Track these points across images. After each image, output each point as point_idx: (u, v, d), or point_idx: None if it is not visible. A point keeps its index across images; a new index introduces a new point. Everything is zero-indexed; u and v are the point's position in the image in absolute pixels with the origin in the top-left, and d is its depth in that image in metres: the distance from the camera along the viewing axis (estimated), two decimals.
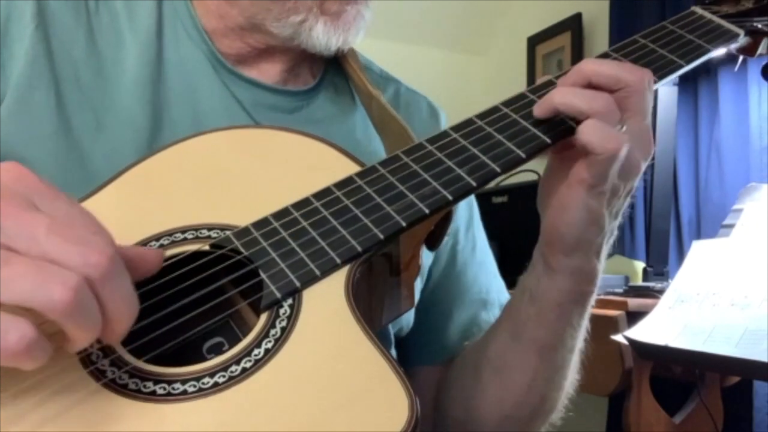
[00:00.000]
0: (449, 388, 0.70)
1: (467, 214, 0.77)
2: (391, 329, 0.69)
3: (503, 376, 0.63)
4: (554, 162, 0.56)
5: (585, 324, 0.61)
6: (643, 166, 0.53)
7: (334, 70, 0.73)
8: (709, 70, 1.78)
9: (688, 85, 1.85)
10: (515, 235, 2.04)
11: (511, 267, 0.90)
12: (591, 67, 0.53)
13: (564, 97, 0.51)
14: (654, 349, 1.15)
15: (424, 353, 0.74)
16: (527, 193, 1.94)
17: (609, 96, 0.51)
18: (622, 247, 1.98)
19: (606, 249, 0.56)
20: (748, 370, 1.10)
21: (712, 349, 1.11)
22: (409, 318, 0.71)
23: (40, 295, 0.33)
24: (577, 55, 2.42)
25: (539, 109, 0.53)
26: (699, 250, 1.36)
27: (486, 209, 0.82)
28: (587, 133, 0.49)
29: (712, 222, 1.71)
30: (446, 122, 0.79)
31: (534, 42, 2.63)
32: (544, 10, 2.57)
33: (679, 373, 1.41)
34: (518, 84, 2.71)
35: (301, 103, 0.69)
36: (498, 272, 0.80)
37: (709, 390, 1.44)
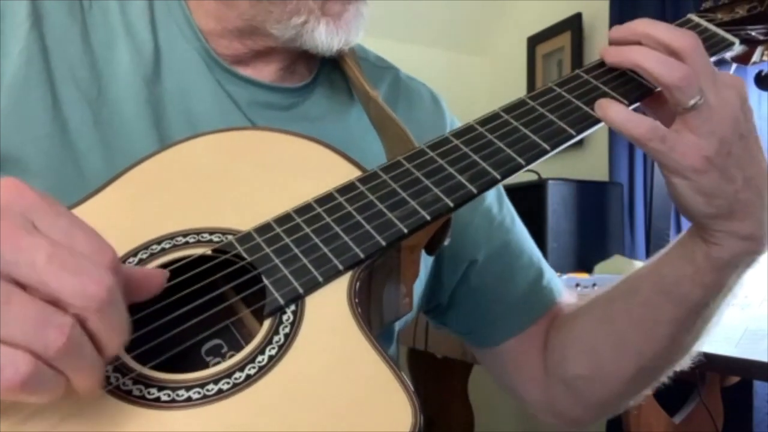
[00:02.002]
0: (573, 345, 0.70)
1: (496, 191, 0.78)
2: (397, 325, 0.70)
3: (644, 329, 0.64)
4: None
5: (741, 283, 0.61)
6: (731, 132, 0.53)
7: (331, 65, 0.72)
8: None
9: None
10: None
11: None
12: (654, 33, 0.55)
13: (642, 54, 0.54)
14: None
15: (500, 331, 0.75)
16: (527, 193, 1.94)
17: (686, 66, 0.52)
18: (622, 247, 1.98)
19: (765, 208, 0.56)
20: (748, 370, 1.11)
21: (712, 349, 1.12)
22: (411, 312, 0.71)
23: (36, 340, 0.33)
24: (577, 55, 2.42)
25: (612, 55, 0.57)
26: None
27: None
28: (613, 117, 0.53)
29: None
30: (448, 108, 0.80)
31: (534, 42, 2.64)
32: (544, 10, 2.57)
33: (679, 373, 1.41)
34: (518, 84, 2.71)
35: (297, 100, 0.68)
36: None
37: (709, 390, 1.44)
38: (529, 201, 1.91)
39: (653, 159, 0.54)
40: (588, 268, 1.79)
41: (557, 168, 1.79)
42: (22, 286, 0.34)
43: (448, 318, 0.78)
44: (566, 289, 0.79)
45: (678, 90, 0.52)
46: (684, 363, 0.68)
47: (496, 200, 0.77)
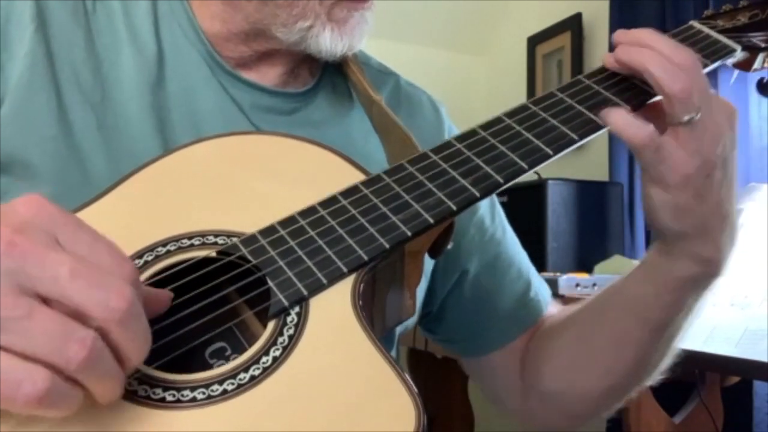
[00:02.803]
0: (549, 360, 0.72)
1: (489, 202, 0.78)
2: (398, 329, 0.70)
3: (613, 349, 0.65)
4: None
5: (701, 304, 0.62)
6: (718, 150, 0.54)
7: (333, 69, 0.73)
8: (709, 72, 1.78)
9: None
10: (515, 235, 2.04)
11: None
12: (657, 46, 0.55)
13: (649, 58, 0.53)
14: None
15: (485, 343, 0.76)
16: (527, 193, 1.95)
17: (690, 80, 0.52)
18: (622, 247, 1.98)
19: (727, 235, 0.57)
20: (748, 370, 1.11)
21: (712, 349, 1.12)
22: (413, 317, 0.72)
23: (57, 354, 0.34)
24: (577, 55, 2.42)
25: (618, 56, 0.56)
26: None
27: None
28: (615, 121, 0.53)
29: None
30: (447, 116, 0.80)
31: (534, 42, 2.64)
32: (544, 10, 2.57)
33: (679, 373, 1.41)
34: (518, 84, 2.71)
35: (299, 104, 0.69)
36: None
37: (709, 390, 1.44)
38: (529, 201, 1.91)
39: (642, 166, 0.55)
40: (588, 268, 1.79)
41: (557, 168, 1.78)
42: (45, 301, 0.34)
43: (436, 326, 0.78)
44: (552, 301, 0.80)
45: (678, 101, 0.52)
46: (653, 379, 0.69)
47: (488, 211, 0.78)
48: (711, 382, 1.45)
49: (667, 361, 0.67)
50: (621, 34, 0.57)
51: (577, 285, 1.58)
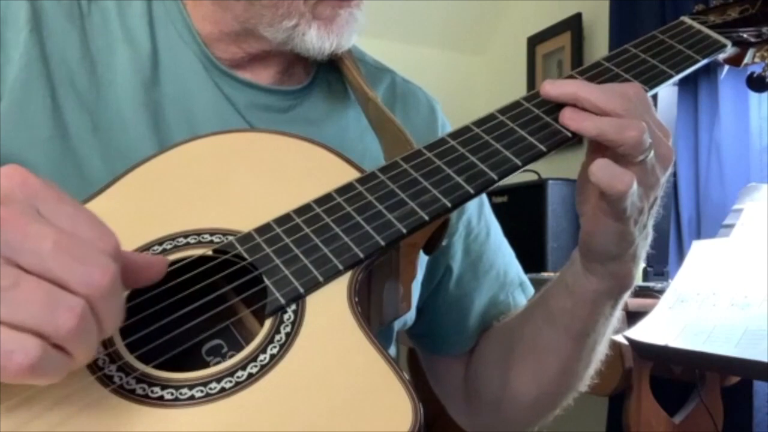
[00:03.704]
0: (485, 368, 0.73)
1: (477, 201, 0.78)
2: (396, 325, 0.70)
3: (538, 357, 0.67)
4: (585, 171, 0.56)
5: (619, 310, 0.65)
6: (663, 179, 0.56)
7: (328, 67, 0.73)
8: (709, 70, 1.78)
9: (688, 85, 1.85)
10: (515, 235, 2.04)
11: None
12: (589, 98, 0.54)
13: (598, 127, 0.53)
14: (654, 349, 1.16)
15: (450, 345, 0.77)
16: (527, 193, 1.94)
17: (641, 124, 0.52)
18: None
19: (643, 252, 0.60)
20: (748, 370, 1.11)
21: (712, 349, 1.12)
22: (411, 313, 0.72)
23: (46, 322, 0.34)
24: (577, 55, 2.42)
25: (570, 123, 0.54)
26: (699, 250, 1.36)
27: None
28: (596, 173, 0.51)
29: (712, 222, 1.72)
30: (441, 113, 0.81)
31: (534, 42, 2.64)
32: (544, 10, 2.57)
33: (679, 373, 1.41)
34: (518, 84, 2.71)
35: (295, 102, 0.69)
36: (513, 253, 0.82)
37: (709, 390, 1.44)
38: (529, 201, 1.91)
39: (609, 200, 0.53)
40: None
41: (557, 168, 1.79)
42: (29, 273, 0.34)
43: (414, 320, 0.78)
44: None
45: (631, 148, 0.52)
46: (583, 385, 0.71)
47: (476, 211, 0.78)
48: (711, 382, 1.44)
49: (593, 367, 0.69)
50: (549, 87, 0.55)
51: None
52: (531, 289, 0.81)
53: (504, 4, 2.82)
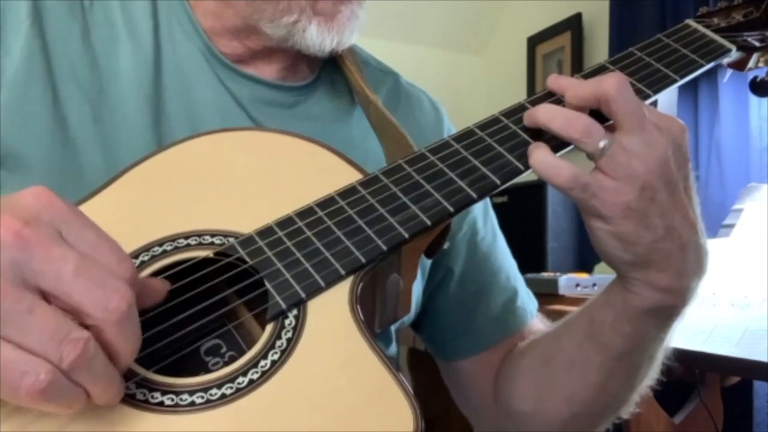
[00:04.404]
0: (518, 379, 0.69)
1: (482, 206, 0.78)
2: (394, 326, 0.70)
3: (576, 373, 0.62)
4: None
5: (668, 334, 0.59)
6: (656, 177, 0.50)
7: (332, 65, 0.73)
8: (710, 70, 1.78)
9: (688, 85, 1.85)
10: (515, 235, 2.04)
11: None
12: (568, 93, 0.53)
13: (546, 115, 0.52)
14: None
15: (462, 347, 0.75)
16: (527, 193, 1.95)
17: (586, 117, 0.51)
18: None
19: (690, 262, 0.53)
20: (748, 370, 1.11)
21: (712, 349, 1.12)
22: (410, 314, 0.71)
23: (52, 351, 0.34)
24: (577, 55, 2.42)
25: (527, 119, 0.54)
26: None
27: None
28: (534, 163, 0.51)
29: (712, 222, 1.71)
30: (447, 117, 0.80)
31: (534, 42, 2.63)
32: (544, 10, 2.57)
33: (679, 373, 1.41)
34: (518, 84, 2.71)
35: (299, 98, 0.69)
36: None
37: (709, 390, 1.44)
38: (529, 201, 1.91)
39: (576, 203, 0.52)
40: (588, 268, 1.79)
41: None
42: (45, 295, 0.35)
43: (420, 323, 0.78)
44: (538, 315, 0.78)
45: (580, 142, 0.50)
46: (624, 412, 0.66)
47: (482, 214, 0.77)
48: (711, 382, 1.44)
49: (637, 393, 0.64)
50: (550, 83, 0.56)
51: (577, 285, 1.58)
52: (536, 301, 0.79)
53: (504, 4, 2.82)
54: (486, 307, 0.75)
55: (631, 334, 0.57)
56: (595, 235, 0.53)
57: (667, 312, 0.55)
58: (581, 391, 0.62)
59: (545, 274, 1.71)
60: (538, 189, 1.90)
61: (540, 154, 0.51)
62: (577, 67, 2.42)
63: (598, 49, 2.35)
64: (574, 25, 2.43)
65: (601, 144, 0.50)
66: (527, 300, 0.77)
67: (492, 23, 2.88)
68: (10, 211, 0.35)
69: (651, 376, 0.63)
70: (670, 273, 0.53)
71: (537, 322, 0.77)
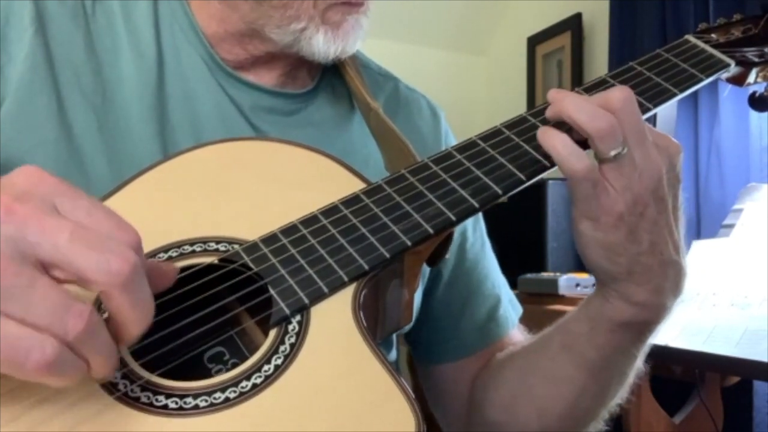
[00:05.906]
0: (493, 390, 0.70)
1: None
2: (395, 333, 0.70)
3: (551, 386, 0.63)
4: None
5: (643, 350, 0.60)
6: (649, 192, 0.52)
7: (333, 72, 0.73)
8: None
9: None
10: (515, 235, 2.04)
11: (511, 267, 0.91)
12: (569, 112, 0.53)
13: (573, 105, 0.52)
14: (654, 349, 1.15)
15: (444, 351, 0.75)
16: (527, 193, 1.94)
17: (612, 116, 0.51)
18: None
19: (670, 280, 0.55)
20: (748, 370, 1.11)
21: (712, 349, 1.12)
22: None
23: (57, 324, 0.34)
24: (577, 55, 2.42)
25: (551, 110, 0.54)
26: (699, 250, 1.37)
27: (485, 209, 0.82)
28: (553, 144, 0.51)
29: (712, 222, 1.72)
30: (445, 121, 0.80)
31: (534, 42, 2.64)
32: (544, 10, 2.57)
33: (679, 373, 1.41)
34: (518, 84, 2.71)
35: (300, 105, 0.69)
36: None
37: (709, 390, 1.44)
38: (529, 201, 1.91)
39: (575, 199, 0.53)
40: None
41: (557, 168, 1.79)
42: (46, 267, 0.35)
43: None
44: (518, 325, 0.78)
45: (599, 140, 0.50)
46: (593, 428, 0.66)
47: (472, 221, 0.77)
48: (711, 382, 1.45)
49: (607, 409, 0.64)
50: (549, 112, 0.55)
51: (577, 285, 1.58)
52: (520, 308, 0.80)
53: (504, 4, 2.82)
54: (471, 314, 0.75)
55: (605, 347, 0.58)
56: (582, 241, 0.54)
57: (641, 327, 0.57)
58: (554, 405, 0.63)
59: (545, 274, 1.71)
60: (538, 189, 1.90)
61: (562, 139, 0.51)
62: (576, 67, 2.42)
63: (598, 49, 2.36)
64: (574, 25, 2.44)
65: (618, 150, 0.51)
66: (509, 308, 0.77)
67: (492, 23, 2.89)
68: (1, 190, 0.36)
69: (621, 395, 0.64)
70: (649, 288, 0.54)
71: (517, 333, 0.77)
